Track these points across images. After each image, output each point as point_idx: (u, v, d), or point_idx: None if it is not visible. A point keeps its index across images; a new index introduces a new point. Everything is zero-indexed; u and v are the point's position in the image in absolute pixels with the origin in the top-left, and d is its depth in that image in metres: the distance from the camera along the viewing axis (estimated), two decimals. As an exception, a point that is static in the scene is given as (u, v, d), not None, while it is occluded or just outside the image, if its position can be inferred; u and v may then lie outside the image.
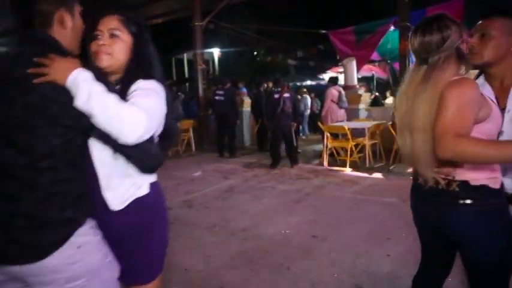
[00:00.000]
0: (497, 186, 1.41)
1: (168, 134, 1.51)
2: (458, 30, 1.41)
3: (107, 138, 1.22)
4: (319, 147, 9.07)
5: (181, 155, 9.06)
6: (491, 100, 1.45)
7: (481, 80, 1.67)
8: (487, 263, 1.45)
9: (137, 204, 1.43)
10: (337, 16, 14.68)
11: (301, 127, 12.51)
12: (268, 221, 4.19)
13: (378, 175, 6.22)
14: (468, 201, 1.39)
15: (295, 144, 7.30)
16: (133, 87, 1.36)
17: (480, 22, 1.60)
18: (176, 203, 4.97)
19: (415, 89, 1.44)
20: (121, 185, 1.39)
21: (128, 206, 1.40)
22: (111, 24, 1.42)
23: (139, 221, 1.45)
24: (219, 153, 8.59)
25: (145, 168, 1.42)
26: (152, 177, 1.53)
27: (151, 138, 1.31)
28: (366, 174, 6.31)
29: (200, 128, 10.14)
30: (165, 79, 1.53)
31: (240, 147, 9.35)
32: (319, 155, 8.05)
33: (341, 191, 5.36)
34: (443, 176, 1.42)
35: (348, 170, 6.54)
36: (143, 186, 1.46)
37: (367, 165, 6.84)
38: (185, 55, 20.07)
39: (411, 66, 1.56)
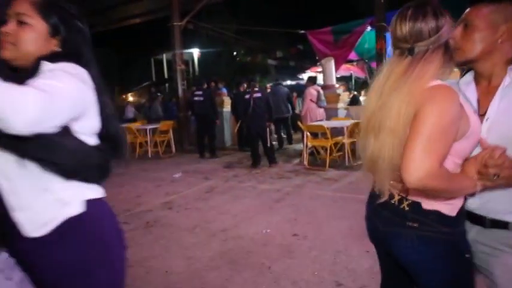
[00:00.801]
0: (452, 213, 1.22)
1: (110, 135, 1.24)
2: (450, 21, 1.23)
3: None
4: (299, 146, 9.13)
5: (161, 156, 8.97)
6: (472, 108, 1.26)
7: (468, 78, 1.40)
8: None
9: (65, 229, 1.07)
10: (315, 16, 14.82)
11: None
12: (249, 220, 4.19)
13: (357, 173, 6.30)
14: (415, 225, 1.23)
15: (269, 144, 7.27)
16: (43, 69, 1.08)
17: (467, 11, 1.33)
18: (156, 205, 4.92)
19: (392, 84, 1.22)
20: (36, 202, 1.06)
21: (52, 232, 1.06)
22: (19, 7, 1.12)
23: (69, 255, 1.07)
24: (200, 153, 8.54)
25: (61, 171, 1.07)
26: (90, 191, 1.18)
27: (65, 131, 1.04)
28: (345, 172, 6.39)
29: (180, 128, 10.07)
30: (98, 75, 1.23)
31: (221, 148, 9.32)
32: (299, 154, 8.11)
33: (321, 189, 5.41)
34: (397, 191, 1.26)
35: (328, 169, 6.61)
36: (72, 203, 1.11)
37: (347, 163, 6.93)
38: (164, 55, 19.89)
39: (388, 59, 1.34)
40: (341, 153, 7.27)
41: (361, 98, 11.23)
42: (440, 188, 1.11)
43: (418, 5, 1.22)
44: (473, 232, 1.31)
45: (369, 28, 8.85)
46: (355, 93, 12.41)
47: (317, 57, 10.66)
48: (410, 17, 1.20)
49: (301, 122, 7.72)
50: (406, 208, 1.24)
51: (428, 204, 1.21)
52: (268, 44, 17.36)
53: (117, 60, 21.40)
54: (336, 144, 7.11)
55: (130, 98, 20.05)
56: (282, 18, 16.18)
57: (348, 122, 7.24)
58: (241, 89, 9.30)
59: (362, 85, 14.60)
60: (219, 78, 12.01)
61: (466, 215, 1.29)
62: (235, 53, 19.87)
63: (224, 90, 10.76)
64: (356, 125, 7.15)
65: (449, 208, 1.21)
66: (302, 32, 10.22)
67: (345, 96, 9.64)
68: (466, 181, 1.16)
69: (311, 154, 7.45)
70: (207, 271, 3.02)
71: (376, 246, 1.50)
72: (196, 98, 8.44)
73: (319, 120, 7.69)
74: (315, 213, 4.35)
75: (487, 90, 1.32)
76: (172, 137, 9.53)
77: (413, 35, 1.21)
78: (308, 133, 7.08)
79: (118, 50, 21.11)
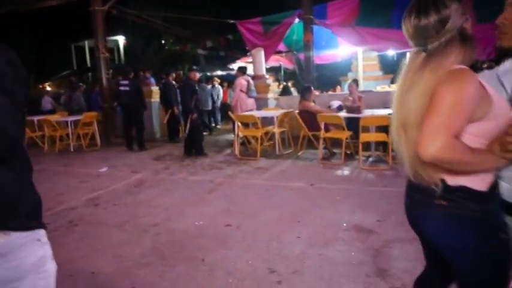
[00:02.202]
0: (482, 188, 1.20)
1: None
2: (459, 7, 1.20)
3: None
4: (231, 136, 9.15)
5: (85, 150, 8.43)
6: (504, 94, 1.26)
7: (508, 66, 1.36)
8: (466, 274, 1.29)
9: None
10: (245, 7, 14.82)
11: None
12: (181, 213, 4.11)
13: (287, 161, 6.48)
14: (442, 202, 1.22)
15: (185, 135, 7.23)
16: None
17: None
18: (80, 202, 4.62)
19: (410, 80, 1.25)
20: None
21: None
22: None
23: None
24: (127, 146, 8.17)
25: None
26: None
27: None
28: (276, 161, 6.53)
29: (105, 120, 9.54)
30: None
31: (150, 140, 9.01)
32: (230, 144, 8.12)
33: (253, 178, 5.48)
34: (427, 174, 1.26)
35: (259, 158, 6.71)
36: None
37: (277, 152, 7.09)
38: (86, 42, 18.62)
39: (410, 52, 1.32)
40: (271, 142, 7.43)
41: (291, 89, 11.56)
42: (455, 160, 1.12)
43: (419, 1, 1.23)
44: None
45: (297, 20, 9.08)
46: (285, 83, 12.72)
47: (247, 48, 10.70)
48: (414, 15, 1.22)
49: (232, 112, 7.72)
50: (434, 187, 1.23)
51: (453, 180, 1.20)
52: (197, 33, 17.01)
53: (31, 46, 19.53)
54: (266, 133, 7.23)
55: (48, 88, 18.50)
56: (211, 8, 15.95)
57: (278, 112, 7.39)
58: (171, 79, 9.06)
59: (290, 76, 15.00)
60: (147, 67, 11.55)
61: (504, 205, 1.28)
62: (163, 42, 19.21)
63: (152, 80, 10.37)
64: (286, 114, 7.34)
65: (477, 182, 1.19)
66: (232, 21, 10.19)
67: (275, 87, 9.83)
68: (485, 154, 1.15)
69: (242, 144, 7.50)
70: (137, 269, 2.90)
71: (418, 234, 1.45)
72: (122, 88, 8.04)
73: (249, 110, 7.75)
74: (247, 202, 4.39)
75: None
76: (96, 129, 8.99)
77: (420, 33, 1.22)
78: (239, 123, 7.10)
79: (33, 35, 19.25)
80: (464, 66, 1.19)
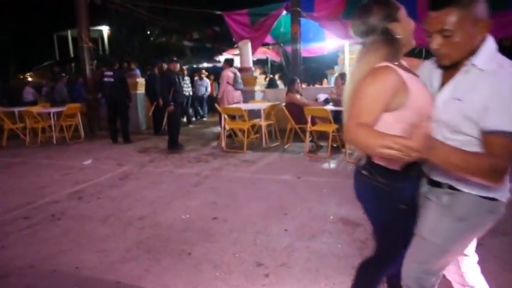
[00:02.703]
0: (395, 167, 1.47)
1: None
2: (380, 11, 1.43)
3: None
4: (217, 129, 9.09)
5: (69, 142, 8.27)
6: (429, 86, 1.49)
7: (431, 64, 1.57)
8: (376, 234, 1.68)
9: None
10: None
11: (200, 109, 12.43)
12: (167, 207, 4.07)
13: (274, 154, 6.47)
14: (365, 173, 1.55)
15: (163, 127, 7.16)
16: None
17: (433, 16, 1.37)
18: (64, 196, 4.52)
19: (351, 72, 1.52)
20: None
21: None
22: None
23: None
24: (112, 138, 8.04)
25: None
26: None
27: None
28: (262, 154, 6.52)
29: (89, 112, 9.36)
30: None
31: (135, 132, 8.89)
32: (217, 137, 8.07)
33: (239, 171, 5.46)
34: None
35: (245, 151, 6.68)
36: None
37: (264, 145, 7.08)
38: (69, 32, 18.21)
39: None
40: (258, 135, 7.40)
41: (278, 82, 11.53)
42: (360, 144, 1.34)
43: (362, 6, 1.48)
44: (425, 188, 1.59)
45: (284, 12, 9.02)
46: (271, 76, 12.67)
47: (234, 40, 10.60)
48: (357, 18, 1.48)
49: (219, 105, 7.66)
50: (363, 161, 1.56)
51: (376, 159, 1.50)
52: (183, 25, 16.78)
53: (12, 36, 18.98)
54: (253, 126, 7.20)
55: (30, 79, 18.06)
56: (198, -1, 15.73)
57: (265, 105, 7.36)
58: (156, 70, 8.93)
59: (277, 69, 14.94)
60: (132, 58, 11.35)
61: (427, 178, 1.57)
62: (149, 33, 18.89)
63: (137, 72, 10.21)
64: (273, 107, 7.31)
65: (392, 162, 1.45)
66: (219, 13, 10.06)
67: (262, 79, 9.78)
68: (371, 140, 1.27)
69: (229, 136, 7.46)
70: (122, 263, 2.86)
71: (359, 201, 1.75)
72: (106, 79, 7.89)
73: (236, 103, 7.70)
74: (234, 195, 4.37)
75: (451, 73, 1.46)
76: (80, 121, 8.81)
77: (359, 32, 1.49)
78: (225, 116, 7.05)
79: (14, 24, 18.69)
80: (385, 64, 1.41)
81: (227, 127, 7.10)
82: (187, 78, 11.63)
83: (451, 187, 1.47)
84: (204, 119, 12.27)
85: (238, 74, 7.99)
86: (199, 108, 12.43)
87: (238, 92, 7.99)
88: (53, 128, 8.38)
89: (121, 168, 5.86)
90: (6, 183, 5.18)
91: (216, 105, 7.80)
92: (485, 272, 2.59)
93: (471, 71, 1.37)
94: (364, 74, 1.41)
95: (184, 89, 11.14)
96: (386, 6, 1.45)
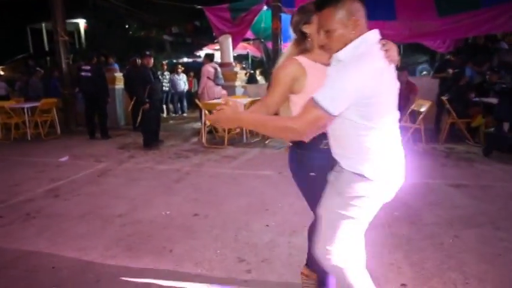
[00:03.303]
0: (305, 140, 1.75)
1: None
2: (299, 18, 1.82)
3: None
4: (197, 125, 9.02)
5: (44, 138, 8.03)
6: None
7: (335, 57, 1.71)
8: (304, 196, 2.03)
9: None
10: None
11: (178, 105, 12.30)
12: (147, 203, 4.01)
13: (254, 150, 6.47)
14: (291, 144, 1.94)
15: (137, 123, 6.98)
16: None
17: (317, 15, 1.63)
18: (39, 194, 4.40)
19: None
20: None
21: None
22: None
23: None
24: (89, 134, 7.87)
25: None
26: None
27: None
28: (243, 150, 6.50)
29: (65, 107, 9.11)
30: None
31: (114, 128, 8.71)
32: (197, 132, 8.00)
33: (220, 167, 5.43)
34: None
35: (226, 147, 6.65)
36: None
37: (245, 140, 7.07)
38: (44, 25, 17.66)
39: None
40: (239, 130, 7.38)
41: (259, 78, 11.52)
42: (248, 121, 1.68)
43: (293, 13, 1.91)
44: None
45: (265, 7, 8.98)
46: (252, 71, 12.64)
47: (214, 34, 10.51)
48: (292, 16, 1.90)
49: (199, 100, 7.60)
50: None
51: None
52: (163, 19, 16.50)
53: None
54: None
55: (1, 72, 17.44)
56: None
57: (245, 100, 7.34)
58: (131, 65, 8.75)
59: (258, 64, 14.90)
60: (110, 53, 11.10)
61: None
62: (127, 26, 18.50)
63: (115, 66, 10.01)
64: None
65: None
66: (199, 7, 9.94)
67: (242, 75, 9.74)
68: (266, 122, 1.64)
69: (209, 132, 7.41)
70: (102, 261, 2.80)
71: None
72: (83, 74, 7.70)
73: (216, 98, 7.65)
74: (215, 191, 4.35)
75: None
76: (56, 117, 8.57)
77: (292, 32, 1.89)
78: (206, 111, 7.00)
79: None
80: (294, 57, 1.81)
81: (207, 123, 7.04)
82: (167, 74, 11.48)
83: (340, 166, 1.69)
84: (184, 114, 12.15)
85: (218, 69, 7.93)
86: (178, 104, 12.31)
87: (219, 87, 7.94)
88: (27, 124, 8.13)
89: (99, 164, 5.74)
90: (-22, 181, 5.00)
91: (197, 100, 7.73)
92: (460, 263, 2.67)
93: (334, 62, 1.61)
94: (281, 64, 1.84)
95: (164, 84, 11.01)
96: (303, 13, 1.81)
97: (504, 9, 6.68)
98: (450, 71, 7.02)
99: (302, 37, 1.83)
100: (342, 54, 1.55)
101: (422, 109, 6.09)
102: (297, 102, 1.76)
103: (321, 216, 1.75)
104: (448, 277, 2.48)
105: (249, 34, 10.74)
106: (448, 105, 6.44)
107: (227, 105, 1.57)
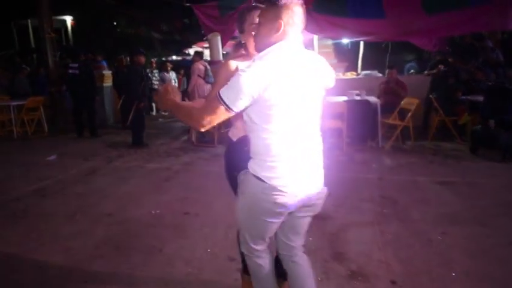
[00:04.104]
0: (233, 138, 2.00)
1: None
2: (237, 26, 1.98)
3: None
4: (187, 123, 8.96)
5: (31, 137, 7.91)
6: None
7: (243, 64, 1.82)
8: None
9: None
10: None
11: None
12: (136, 202, 3.98)
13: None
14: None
15: (128, 123, 6.87)
16: None
17: (248, 15, 1.85)
18: (26, 192, 4.33)
19: None
20: None
21: None
22: None
23: None
24: (77, 133, 7.77)
25: None
26: None
27: None
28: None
29: (53, 105, 8.97)
30: None
31: (102, 126, 8.61)
32: (187, 131, 7.96)
33: (210, 165, 5.41)
34: None
35: (216, 145, 6.63)
36: None
37: (235, 139, 7.03)
38: (29, 21, 17.38)
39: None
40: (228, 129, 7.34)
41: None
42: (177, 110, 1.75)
43: None
44: None
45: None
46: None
47: (203, 32, 10.45)
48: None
49: (189, 98, 7.55)
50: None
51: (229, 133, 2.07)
52: (152, 16, 16.36)
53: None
54: (224, 120, 7.12)
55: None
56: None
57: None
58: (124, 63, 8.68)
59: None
60: (98, 50, 10.97)
61: None
62: (115, 23, 18.29)
63: (103, 63, 9.89)
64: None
65: (233, 134, 2.03)
66: (188, 5, 9.88)
67: (232, 73, 9.67)
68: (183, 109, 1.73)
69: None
70: (90, 261, 2.77)
71: None
72: (71, 71, 7.59)
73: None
74: (205, 190, 4.33)
75: None
76: (43, 115, 8.44)
77: None
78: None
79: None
80: (229, 61, 1.93)
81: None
82: (156, 72, 11.39)
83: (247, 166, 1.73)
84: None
85: (208, 67, 7.90)
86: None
87: (209, 86, 7.90)
88: (13, 122, 7.99)
89: (87, 163, 5.67)
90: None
91: (186, 98, 7.68)
92: (448, 259, 2.70)
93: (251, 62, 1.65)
94: (219, 67, 2.03)
95: (153, 82, 10.92)
96: (239, 23, 1.95)
97: (488, 9, 6.78)
98: (441, 66, 7.12)
99: (239, 43, 2.09)
100: (258, 55, 1.60)
101: (411, 107, 6.16)
102: None
103: (235, 213, 1.80)
104: (436, 273, 2.51)
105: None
106: (435, 104, 6.51)
107: (167, 88, 1.74)
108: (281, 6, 1.56)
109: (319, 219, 3.40)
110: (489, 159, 5.27)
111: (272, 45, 1.58)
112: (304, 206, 1.69)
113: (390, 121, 6.32)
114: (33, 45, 17.57)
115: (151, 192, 4.32)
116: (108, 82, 9.20)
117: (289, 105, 1.55)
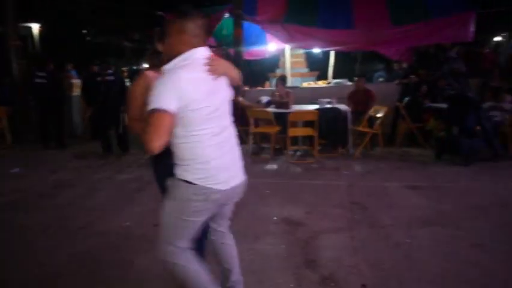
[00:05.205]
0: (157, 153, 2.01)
1: None
2: (155, 37, 2.22)
3: None
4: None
5: (-6, 148, 7.60)
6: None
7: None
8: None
9: None
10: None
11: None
12: (108, 214, 3.89)
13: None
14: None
15: (120, 130, 6.74)
16: None
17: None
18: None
19: None
20: None
21: None
22: None
23: None
24: (43, 143, 7.51)
25: None
26: None
27: None
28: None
29: (17, 116, 8.65)
30: None
31: (69, 136, 8.38)
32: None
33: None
34: None
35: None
36: None
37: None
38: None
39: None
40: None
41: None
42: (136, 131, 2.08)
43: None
44: None
45: (227, 15, 9.02)
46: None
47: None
48: None
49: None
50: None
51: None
52: (124, 25, 16.15)
53: None
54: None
55: None
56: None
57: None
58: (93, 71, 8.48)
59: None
60: (67, 59, 10.71)
61: None
62: (85, 31, 17.94)
63: (73, 73, 9.66)
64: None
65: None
66: (160, 13, 9.83)
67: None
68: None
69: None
70: (62, 277, 2.69)
71: None
72: (38, 80, 7.35)
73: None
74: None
75: None
76: (7, 125, 8.12)
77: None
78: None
79: None
80: (145, 72, 2.11)
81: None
82: (127, 81, 11.22)
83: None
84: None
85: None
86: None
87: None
88: (-25, 133, 7.65)
89: (55, 175, 5.51)
90: None
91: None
92: (417, 262, 2.79)
93: (163, 72, 1.77)
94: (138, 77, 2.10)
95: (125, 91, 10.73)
96: (158, 34, 2.11)
97: (451, 22, 7.13)
98: (413, 77, 7.39)
99: (155, 53, 2.17)
100: (168, 65, 1.76)
101: (379, 115, 6.34)
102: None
103: (161, 218, 1.93)
104: (406, 277, 2.59)
105: (211, 41, 10.74)
106: (402, 111, 6.73)
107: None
108: (187, 19, 1.74)
109: (292, 225, 3.44)
110: (453, 164, 5.49)
111: (182, 54, 1.74)
112: (232, 196, 1.92)
113: (360, 128, 6.48)
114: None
115: (123, 203, 4.24)
116: (77, 91, 8.97)
117: (205, 107, 1.70)
